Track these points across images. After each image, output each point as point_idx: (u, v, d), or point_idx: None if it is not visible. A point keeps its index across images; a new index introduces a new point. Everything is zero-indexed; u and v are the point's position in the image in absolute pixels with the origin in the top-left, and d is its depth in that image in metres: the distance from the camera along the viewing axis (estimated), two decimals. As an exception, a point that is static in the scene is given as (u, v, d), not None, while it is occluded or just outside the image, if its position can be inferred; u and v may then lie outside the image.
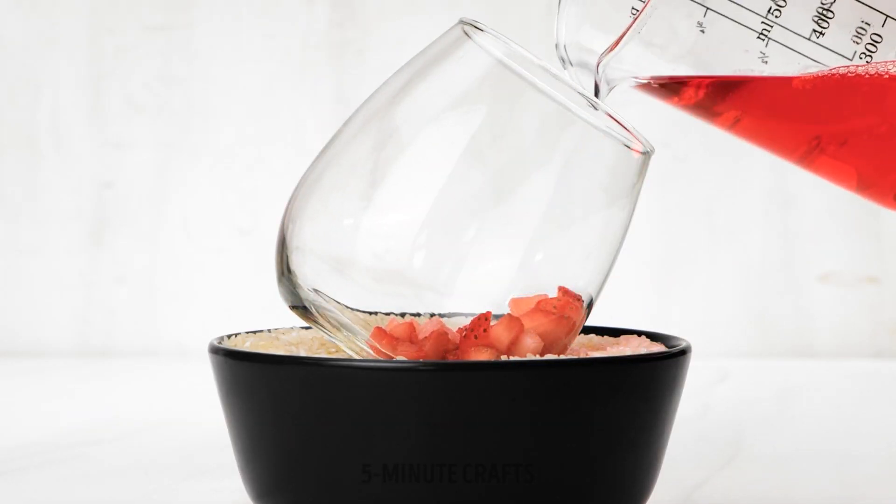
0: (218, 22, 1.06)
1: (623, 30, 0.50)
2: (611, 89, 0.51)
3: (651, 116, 0.85)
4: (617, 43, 0.50)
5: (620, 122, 0.50)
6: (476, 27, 0.50)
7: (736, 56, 0.49)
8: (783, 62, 0.49)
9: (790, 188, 1.04)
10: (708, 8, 0.49)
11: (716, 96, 0.51)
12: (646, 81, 0.51)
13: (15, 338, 1.06)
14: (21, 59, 1.06)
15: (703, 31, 0.49)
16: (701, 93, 0.51)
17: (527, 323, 0.50)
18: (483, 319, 0.49)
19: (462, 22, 0.51)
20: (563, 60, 0.51)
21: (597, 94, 0.51)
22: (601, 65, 0.51)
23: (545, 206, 0.50)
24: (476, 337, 0.49)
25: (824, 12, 0.49)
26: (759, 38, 0.49)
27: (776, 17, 0.49)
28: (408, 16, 1.04)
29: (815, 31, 0.49)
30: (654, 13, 0.49)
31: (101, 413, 0.79)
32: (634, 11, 0.52)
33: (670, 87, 0.51)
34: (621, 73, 0.51)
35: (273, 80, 1.05)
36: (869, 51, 0.49)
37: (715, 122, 0.52)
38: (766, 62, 0.49)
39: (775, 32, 0.49)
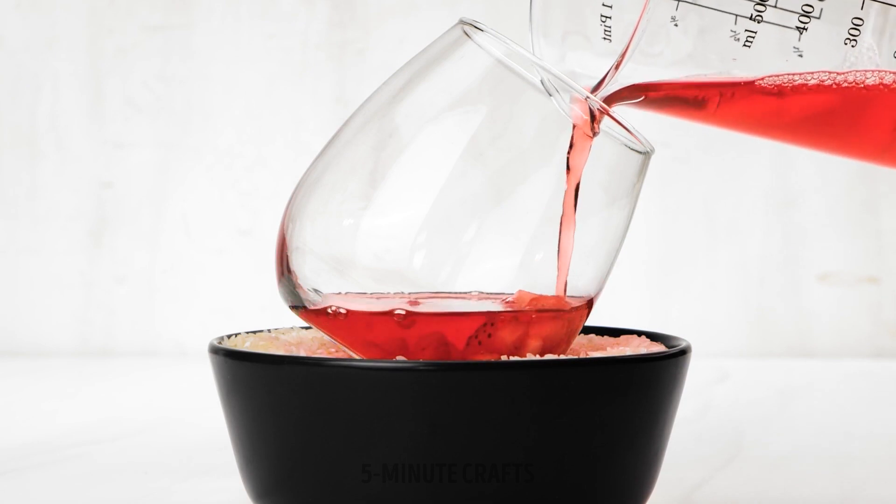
0: (217, 22, 1.06)
1: (620, 50, 0.49)
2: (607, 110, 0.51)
3: (651, 116, 0.85)
4: (618, 66, 0.49)
5: (620, 122, 0.50)
6: (476, 27, 0.50)
7: (729, 50, 0.49)
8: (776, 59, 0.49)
9: (790, 188, 1.04)
10: (700, 5, 0.49)
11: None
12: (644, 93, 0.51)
13: (15, 338, 1.06)
14: (21, 59, 1.06)
15: (700, 33, 0.49)
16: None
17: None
18: (488, 325, 0.49)
19: (462, 22, 0.51)
20: (548, 92, 0.51)
21: (594, 122, 0.50)
22: (600, 92, 0.51)
23: (545, 206, 0.50)
24: (480, 343, 0.49)
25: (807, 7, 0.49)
26: (746, 38, 0.49)
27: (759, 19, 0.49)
28: (408, 16, 1.04)
29: (798, 25, 0.49)
30: (648, 26, 0.48)
31: (101, 413, 0.79)
32: (603, 18, 0.51)
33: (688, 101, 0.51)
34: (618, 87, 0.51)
35: (273, 80, 1.05)
36: (852, 35, 0.49)
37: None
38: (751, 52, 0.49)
39: (767, 15, 0.49)
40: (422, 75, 0.51)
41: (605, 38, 0.51)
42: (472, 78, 0.50)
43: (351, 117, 0.52)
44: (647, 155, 0.51)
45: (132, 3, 1.06)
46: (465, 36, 0.50)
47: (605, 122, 0.50)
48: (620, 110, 0.51)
